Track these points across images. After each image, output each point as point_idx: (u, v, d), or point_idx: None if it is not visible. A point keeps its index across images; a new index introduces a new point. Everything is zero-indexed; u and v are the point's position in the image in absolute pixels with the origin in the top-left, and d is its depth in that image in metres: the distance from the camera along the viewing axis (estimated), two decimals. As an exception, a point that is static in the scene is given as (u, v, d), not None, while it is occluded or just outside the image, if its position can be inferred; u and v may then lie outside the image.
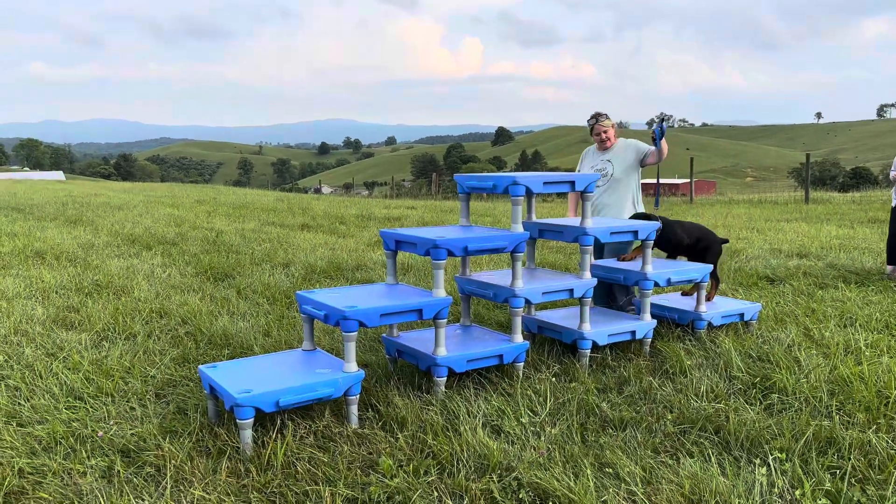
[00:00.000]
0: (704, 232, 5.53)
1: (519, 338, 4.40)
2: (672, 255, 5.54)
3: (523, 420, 3.67)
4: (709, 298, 5.46)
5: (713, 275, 5.42)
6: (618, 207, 5.84)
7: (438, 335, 4.12)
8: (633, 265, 5.12)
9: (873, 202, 16.52)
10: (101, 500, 2.94)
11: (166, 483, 3.08)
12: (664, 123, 5.76)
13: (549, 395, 3.98)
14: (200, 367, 3.86)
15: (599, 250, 5.86)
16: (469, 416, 3.71)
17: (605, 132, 5.86)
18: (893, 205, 7.58)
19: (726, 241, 5.70)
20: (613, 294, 5.90)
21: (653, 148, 5.69)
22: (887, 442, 3.30)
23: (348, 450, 3.38)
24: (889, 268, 7.46)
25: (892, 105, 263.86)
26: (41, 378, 4.40)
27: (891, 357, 4.45)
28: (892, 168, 7.72)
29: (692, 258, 5.46)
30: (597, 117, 5.88)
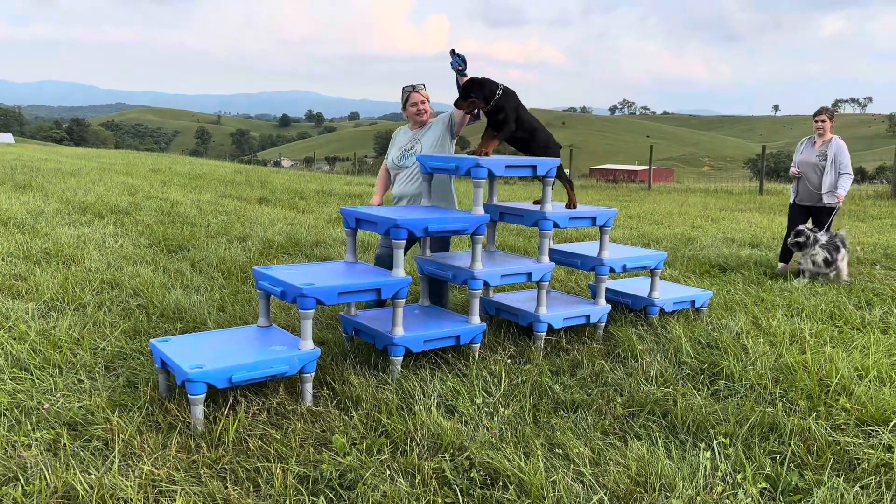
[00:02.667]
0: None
1: (476, 319, 4.43)
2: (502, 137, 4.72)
3: (477, 401, 3.71)
4: (572, 204, 4.92)
5: (561, 175, 4.86)
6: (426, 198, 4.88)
7: (396, 315, 4.12)
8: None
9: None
10: (45, 473, 2.89)
11: (114, 457, 3.04)
12: (457, 56, 4.94)
13: (503, 376, 4.02)
14: (152, 340, 3.80)
15: (411, 242, 4.98)
16: (424, 395, 3.73)
17: (422, 102, 5.06)
18: (791, 201, 7.74)
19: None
20: (444, 293, 5.19)
21: (457, 111, 4.89)
22: (826, 429, 3.42)
23: (301, 427, 3.37)
24: (781, 265, 7.55)
25: (847, 101, 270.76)
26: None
27: (833, 347, 4.60)
28: (794, 164, 7.74)
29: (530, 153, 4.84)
30: (413, 85, 5.10)
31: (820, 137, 7.52)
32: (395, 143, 5.27)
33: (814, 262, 6.96)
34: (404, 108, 5.13)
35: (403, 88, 5.11)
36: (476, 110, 4.71)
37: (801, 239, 7.01)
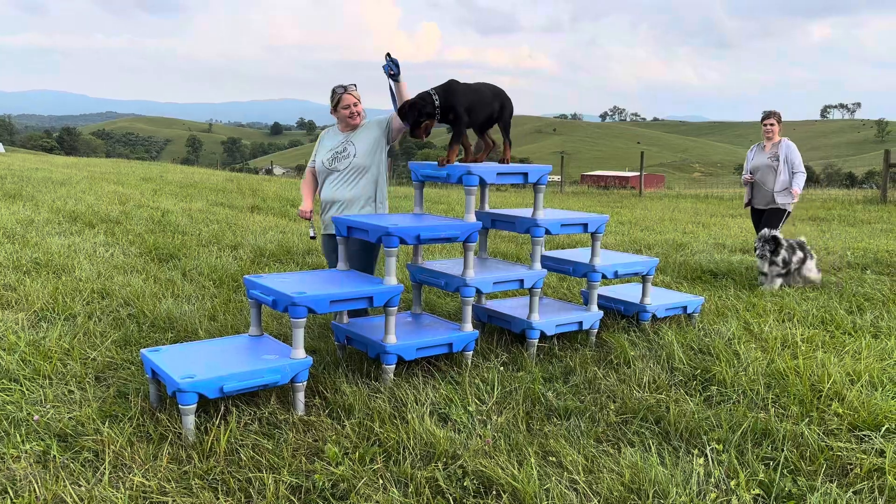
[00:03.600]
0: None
1: (469, 327, 4.42)
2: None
3: (470, 408, 3.70)
4: (505, 161, 4.72)
5: (506, 132, 4.80)
6: (359, 204, 4.84)
7: (388, 323, 4.11)
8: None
9: (814, 200, 17.07)
10: (35, 485, 2.86)
11: (104, 469, 3.01)
12: (391, 61, 4.68)
13: (496, 383, 4.02)
14: (143, 350, 3.77)
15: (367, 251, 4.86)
16: (417, 403, 3.72)
17: (354, 105, 4.83)
18: (746, 206, 7.94)
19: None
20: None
21: (393, 113, 4.84)
22: (818, 434, 3.43)
23: (293, 437, 3.35)
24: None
25: (835, 106, 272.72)
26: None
27: (825, 352, 4.62)
28: (745, 171, 7.89)
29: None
30: (345, 85, 4.85)
31: (769, 141, 7.73)
32: (322, 144, 5.00)
33: (772, 263, 6.90)
34: (335, 109, 4.87)
35: (334, 90, 4.85)
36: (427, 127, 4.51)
37: (767, 247, 6.92)
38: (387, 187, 5.01)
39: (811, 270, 7.06)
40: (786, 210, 7.61)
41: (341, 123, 4.94)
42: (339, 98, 4.82)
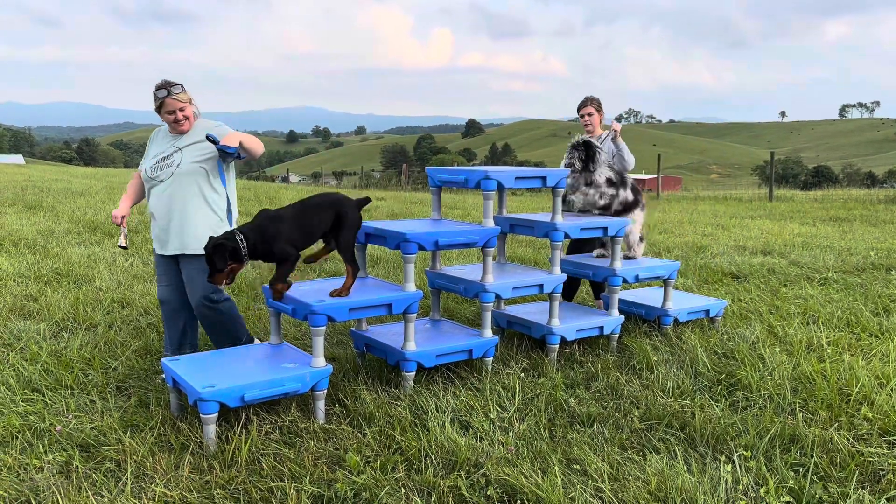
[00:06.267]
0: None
1: (488, 333, 4.39)
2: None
3: (492, 416, 3.66)
4: (344, 292, 3.90)
5: (352, 260, 3.96)
6: (180, 218, 4.19)
7: (408, 329, 4.09)
8: (599, 261, 5.13)
9: (834, 201, 16.86)
10: (58, 496, 2.86)
11: (127, 479, 3.01)
12: (210, 138, 4.08)
13: (517, 390, 3.97)
14: (163, 359, 3.77)
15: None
16: (437, 411, 3.69)
17: (180, 109, 4.17)
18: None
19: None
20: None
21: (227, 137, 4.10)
22: (848, 440, 3.36)
23: (314, 446, 3.33)
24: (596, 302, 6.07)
25: (854, 105, 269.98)
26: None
27: (852, 355, 4.53)
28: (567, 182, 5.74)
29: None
30: (168, 87, 4.15)
31: (590, 134, 5.98)
32: (150, 147, 4.40)
33: (589, 184, 5.20)
34: (159, 112, 4.24)
35: (155, 93, 4.17)
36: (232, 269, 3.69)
37: (577, 153, 5.21)
38: (234, 200, 4.40)
39: (634, 231, 5.39)
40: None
41: (170, 126, 4.30)
42: (161, 103, 4.16)
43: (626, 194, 5.28)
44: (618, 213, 5.25)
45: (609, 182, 5.21)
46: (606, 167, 5.28)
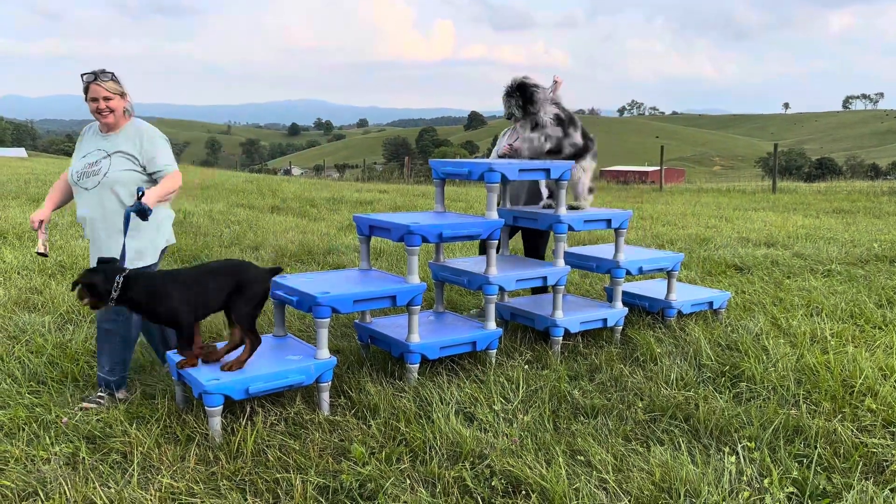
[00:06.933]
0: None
1: (492, 325, 4.39)
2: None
3: (496, 407, 3.67)
4: (236, 366, 3.54)
5: (252, 331, 3.62)
6: (107, 233, 3.78)
7: (412, 322, 4.10)
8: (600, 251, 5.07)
9: (838, 192, 16.82)
10: (65, 487, 2.88)
11: (133, 470, 3.02)
12: (141, 203, 3.50)
13: (521, 382, 3.98)
14: (168, 352, 3.79)
15: None
16: (442, 403, 3.70)
17: (105, 99, 3.76)
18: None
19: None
20: None
21: (157, 163, 3.82)
22: (852, 431, 3.36)
23: (320, 437, 3.34)
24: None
25: (858, 97, 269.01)
26: (2, 362, 4.29)
27: (855, 347, 4.53)
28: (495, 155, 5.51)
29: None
30: (97, 73, 3.78)
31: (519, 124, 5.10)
32: (81, 146, 3.99)
33: (537, 126, 4.75)
34: (85, 99, 3.84)
35: (82, 76, 3.82)
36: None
37: (514, 100, 4.77)
38: (170, 213, 4.03)
39: (583, 180, 4.97)
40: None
41: (95, 118, 3.89)
42: (86, 87, 3.79)
43: (576, 137, 4.82)
44: (572, 159, 4.80)
45: (558, 120, 4.75)
46: (551, 104, 4.77)
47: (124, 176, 3.79)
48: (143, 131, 3.89)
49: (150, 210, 3.53)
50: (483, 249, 5.02)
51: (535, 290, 5.46)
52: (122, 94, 3.84)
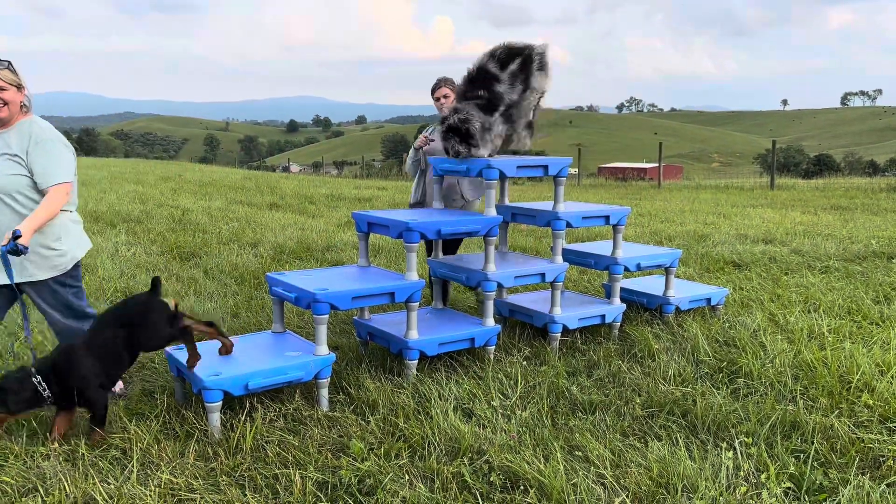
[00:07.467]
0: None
1: (491, 321, 4.40)
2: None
3: (494, 403, 3.69)
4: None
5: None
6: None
7: (410, 318, 4.11)
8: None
9: (836, 189, 16.85)
10: (64, 483, 2.88)
11: (132, 466, 3.03)
12: (16, 243, 3.18)
13: (519, 378, 4.00)
14: (167, 348, 3.79)
15: None
16: (440, 399, 3.71)
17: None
18: (415, 200, 5.61)
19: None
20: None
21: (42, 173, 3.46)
22: (849, 426, 3.38)
23: (319, 433, 3.35)
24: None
25: (856, 94, 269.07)
26: (1, 358, 4.29)
27: (853, 343, 4.55)
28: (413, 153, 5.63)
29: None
30: None
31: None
32: None
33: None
34: None
35: None
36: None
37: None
38: (76, 218, 3.85)
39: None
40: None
41: None
42: None
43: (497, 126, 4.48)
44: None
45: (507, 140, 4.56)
46: (488, 135, 4.44)
47: (12, 182, 3.40)
48: (34, 133, 3.47)
49: (26, 249, 3.21)
50: (445, 249, 5.17)
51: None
52: (19, 87, 3.44)
